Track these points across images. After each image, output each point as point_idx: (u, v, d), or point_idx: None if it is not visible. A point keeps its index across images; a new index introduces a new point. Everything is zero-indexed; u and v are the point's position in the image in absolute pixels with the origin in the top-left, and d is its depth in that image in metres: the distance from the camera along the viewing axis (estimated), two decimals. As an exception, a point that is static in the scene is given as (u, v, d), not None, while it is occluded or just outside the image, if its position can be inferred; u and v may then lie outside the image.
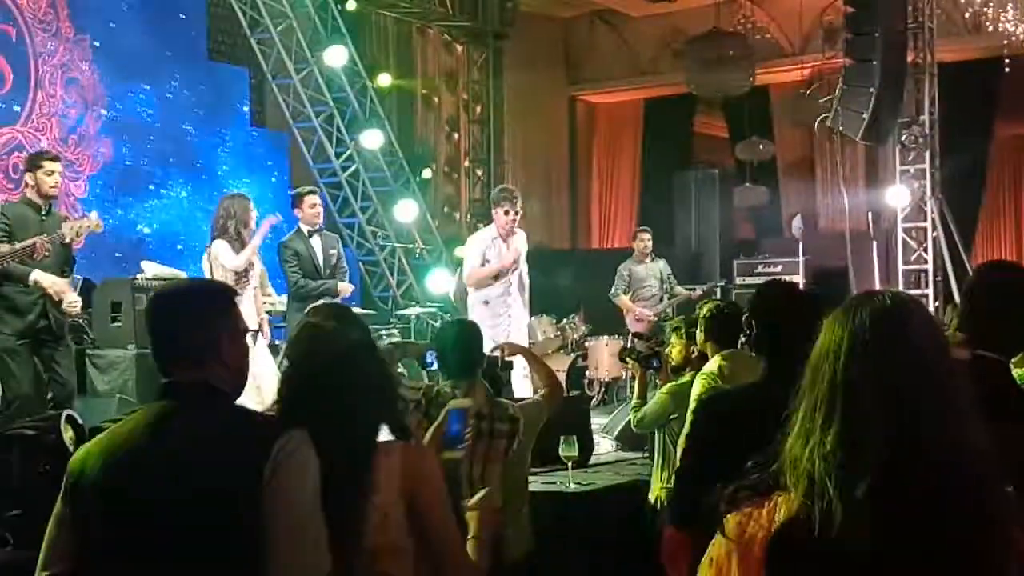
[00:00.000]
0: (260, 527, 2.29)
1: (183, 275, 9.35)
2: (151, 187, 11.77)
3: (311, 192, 8.93)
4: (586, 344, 12.22)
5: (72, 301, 7.04)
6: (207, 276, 8.64)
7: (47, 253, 6.78)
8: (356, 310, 7.35)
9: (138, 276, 9.16)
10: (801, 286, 12.08)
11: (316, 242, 8.60)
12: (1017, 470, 2.55)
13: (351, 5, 13.61)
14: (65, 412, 5.29)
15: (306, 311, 3.27)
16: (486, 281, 8.70)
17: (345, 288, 8.69)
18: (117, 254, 11.06)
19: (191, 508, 2.33)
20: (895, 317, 1.82)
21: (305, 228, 8.60)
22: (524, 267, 8.93)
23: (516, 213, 8.63)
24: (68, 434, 5.12)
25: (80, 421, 5.34)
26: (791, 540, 1.74)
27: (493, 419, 4.52)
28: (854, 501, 1.71)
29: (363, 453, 2.71)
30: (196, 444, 2.40)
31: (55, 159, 7.22)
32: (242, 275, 7.93)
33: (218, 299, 2.65)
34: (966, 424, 1.76)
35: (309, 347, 2.82)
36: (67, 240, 6.91)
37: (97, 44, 11.34)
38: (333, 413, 2.64)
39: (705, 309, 5.43)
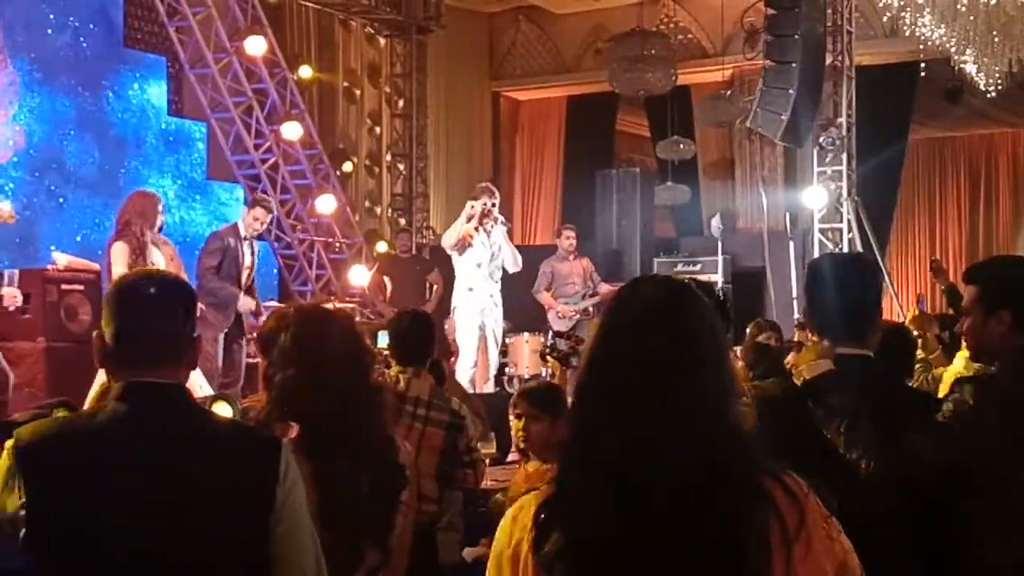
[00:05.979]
0: (269, 552, 2.19)
1: (96, 267, 9.10)
2: (64, 177, 11.47)
3: (264, 207, 9.06)
4: (506, 341, 12.19)
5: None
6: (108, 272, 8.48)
7: None
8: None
9: (49, 267, 8.92)
10: (720, 285, 12.18)
11: (247, 247, 8.79)
12: (909, 481, 2.57)
13: (272, -5, 13.45)
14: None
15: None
16: (463, 241, 9.77)
17: (247, 304, 8.64)
18: (28, 246, 10.77)
19: (199, 532, 2.15)
20: (645, 300, 1.82)
21: (243, 230, 8.77)
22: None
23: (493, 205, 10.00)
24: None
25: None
26: (543, 514, 1.76)
27: (431, 408, 4.64)
28: (585, 471, 1.74)
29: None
30: (200, 459, 2.20)
31: None
32: None
33: (193, 297, 2.44)
34: (707, 397, 1.76)
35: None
36: None
37: (10, 28, 11.02)
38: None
39: None
